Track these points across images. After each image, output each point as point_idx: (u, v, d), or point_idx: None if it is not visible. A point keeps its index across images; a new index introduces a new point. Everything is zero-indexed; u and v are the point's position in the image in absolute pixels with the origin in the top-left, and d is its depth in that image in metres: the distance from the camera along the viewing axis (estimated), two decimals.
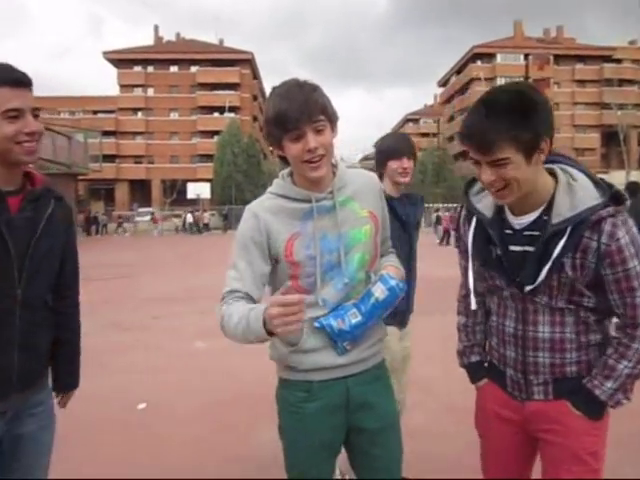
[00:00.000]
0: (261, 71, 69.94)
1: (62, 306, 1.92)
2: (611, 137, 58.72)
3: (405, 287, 1.75)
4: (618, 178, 33.67)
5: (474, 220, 1.72)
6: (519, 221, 1.62)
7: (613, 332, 1.65)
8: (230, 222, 39.92)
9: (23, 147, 1.63)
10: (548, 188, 1.58)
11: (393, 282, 1.70)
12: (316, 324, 1.69)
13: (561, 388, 1.66)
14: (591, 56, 63.44)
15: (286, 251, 1.69)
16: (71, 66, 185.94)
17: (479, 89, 59.37)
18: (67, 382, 2.00)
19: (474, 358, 1.88)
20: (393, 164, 2.71)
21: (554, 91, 62.09)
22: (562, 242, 1.52)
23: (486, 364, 1.85)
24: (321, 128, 1.62)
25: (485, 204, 1.69)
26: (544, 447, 1.72)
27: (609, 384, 1.59)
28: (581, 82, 63.01)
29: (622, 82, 60.77)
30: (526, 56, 62.87)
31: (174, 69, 61.98)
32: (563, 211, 1.53)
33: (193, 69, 61.23)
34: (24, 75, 1.65)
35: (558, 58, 61.85)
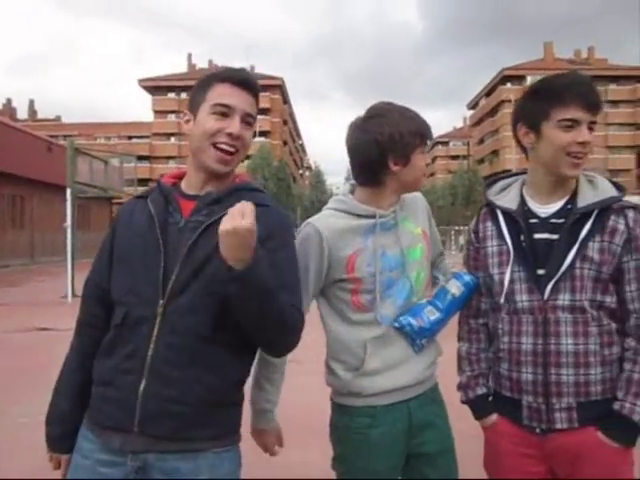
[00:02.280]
0: (297, 95, 71.03)
1: None
2: None
3: (477, 282, 1.74)
4: None
5: (500, 215, 1.70)
6: (545, 209, 1.64)
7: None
8: None
9: (217, 151, 1.44)
10: (573, 180, 1.65)
11: (467, 277, 1.74)
12: (395, 324, 1.71)
13: (587, 413, 1.55)
14: (624, 76, 62.58)
15: (348, 267, 1.70)
16: (115, 93, 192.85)
17: (509, 111, 58.86)
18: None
19: (480, 390, 1.73)
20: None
21: None
22: (588, 225, 1.57)
23: (490, 397, 1.73)
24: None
25: (507, 199, 1.71)
26: None
27: None
28: (614, 102, 62.11)
29: None
30: None
31: None
32: (588, 198, 1.60)
33: None
34: (250, 78, 1.51)
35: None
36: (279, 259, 1.42)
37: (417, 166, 1.74)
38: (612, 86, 62.10)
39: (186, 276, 1.38)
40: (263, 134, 59.22)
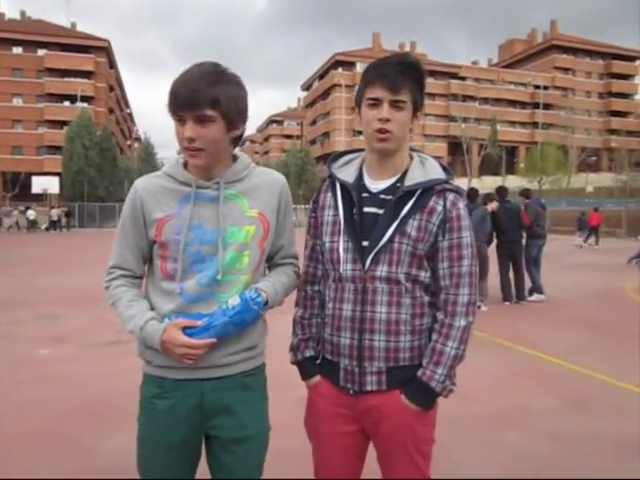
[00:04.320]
0: (125, 60, 66.39)
1: None
2: (456, 147, 64.26)
3: (262, 303, 1.63)
4: (461, 185, 36.71)
5: (338, 187, 1.77)
6: (376, 185, 1.73)
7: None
8: (82, 220, 37.26)
9: None
10: (406, 161, 1.76)
11: (247, 294, 1.62)
12: (166, 319, 1.64)
13: (394, 377, 1.67)
14: (440, 72, 68.84)
15: (157, 231, 1.66)
16: None
17: (339, 95, 61.66)
18: None
19: (308, 353, 1.83)
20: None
21: None
22: (410, 203, 1.66)
23: (318, 361, 1.81)
24: (205, 120, 1.55)
25: (347, 173, 1.78)
26: (377, 440, 1.74)
27: (440, 370, 1.64)
28: (431, 95, 68.04)
29: (465, 98, 66.68)
30: None
31: (18, 50, 56.35)
32: (415, 177, 1.69)
33: (40, 52, 56.17)
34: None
35: None
36: None
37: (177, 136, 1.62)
38: (430, 80, 67.71)
39: None
40: (86, 99, 54.50)
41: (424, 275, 1.68)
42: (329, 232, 1.75)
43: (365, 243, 1.67)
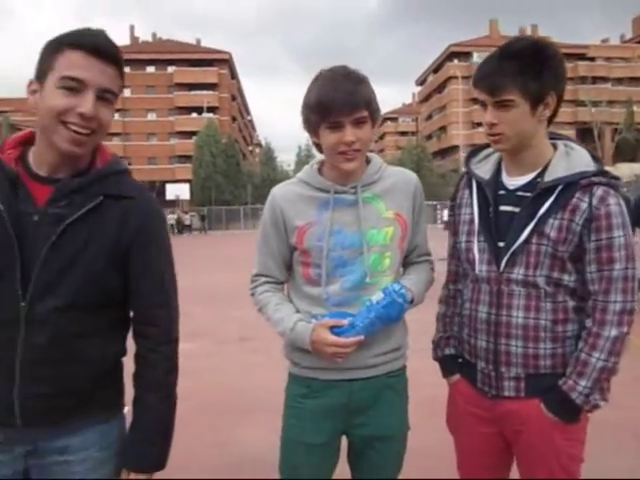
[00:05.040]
0: (246, 69, 69.71)
1: (140, 348, 1.42)
2: (586, 133, 59.67)
3: (407, 296, 1.63)
4: None
5: (474, 184, 1.70)
6: (513, 182, 1.62)
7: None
8: (211, 223, 39.65)
9: (68, 131, 1.24)
10: (547, 153, 1.60)
11: (390, 287, 1.61)
12: (312, 319, 1.68)
13: (534, 385, 1.57)
14: (565, 54, 62.72)
15: (298, 238, 1.69)
16: None
17: (456, 87, 59.84)
18: (136, 456, 1.39)
19: (448, 351, 1.79)
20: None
21: None
22: (550, 201, 1.52)
23: (460, 360, 1.76)
24: (362, 122, 1.59)
25: (484, 169, 1.69)
26: (517, 448, 1.66)
27: (583, 382, 1.51)
28: None
29: (595, 79, 61.72)
30: None
31: (151, 69, 61.32)
32: (557, 172, 1.54)
33: (170, 69, 60.67)
34: (108, 45, 1.26)
35: None
36: (149, 256, 1.38)
37: (324, 142, 1.62)
38: None
39: (50, 277, 1.27)
40: (211, 110, 57.95)
41: (568, 279, 1.55)
42: (465, 231, 1.69)
43: (501, 244, 1.58)
